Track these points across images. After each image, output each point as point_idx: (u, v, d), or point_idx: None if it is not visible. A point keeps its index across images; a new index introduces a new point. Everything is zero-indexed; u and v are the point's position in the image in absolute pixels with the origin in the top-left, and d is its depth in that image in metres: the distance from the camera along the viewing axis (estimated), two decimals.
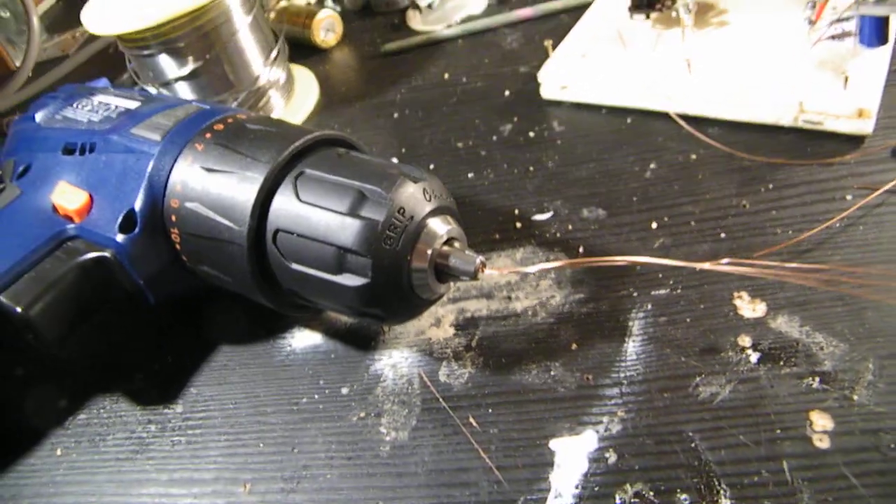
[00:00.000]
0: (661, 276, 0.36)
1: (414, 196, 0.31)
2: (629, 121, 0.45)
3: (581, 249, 0.38)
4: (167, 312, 0.40)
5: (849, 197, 0.36)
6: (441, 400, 0.33)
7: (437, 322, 0.37)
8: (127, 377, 0.39)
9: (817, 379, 0.30)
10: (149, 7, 0.45)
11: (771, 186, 0.38)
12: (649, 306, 0.34)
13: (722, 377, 0.31)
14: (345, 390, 0.35)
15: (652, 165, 0.42)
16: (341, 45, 0.63)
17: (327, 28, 0.60)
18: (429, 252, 0.31)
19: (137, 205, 0.34)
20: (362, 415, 0.34)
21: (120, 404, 0.37)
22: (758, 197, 0.38)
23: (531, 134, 0.47)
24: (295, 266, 0.32)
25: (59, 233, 0.36)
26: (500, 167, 0.45)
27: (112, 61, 0.68)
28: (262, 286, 0.33)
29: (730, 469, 0.28)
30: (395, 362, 0.35)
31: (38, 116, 0.42)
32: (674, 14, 0.47)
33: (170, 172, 0.34)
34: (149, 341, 0.40)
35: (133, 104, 0.39)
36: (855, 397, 0.29)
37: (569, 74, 0.47)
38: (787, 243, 0.35)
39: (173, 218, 0.34)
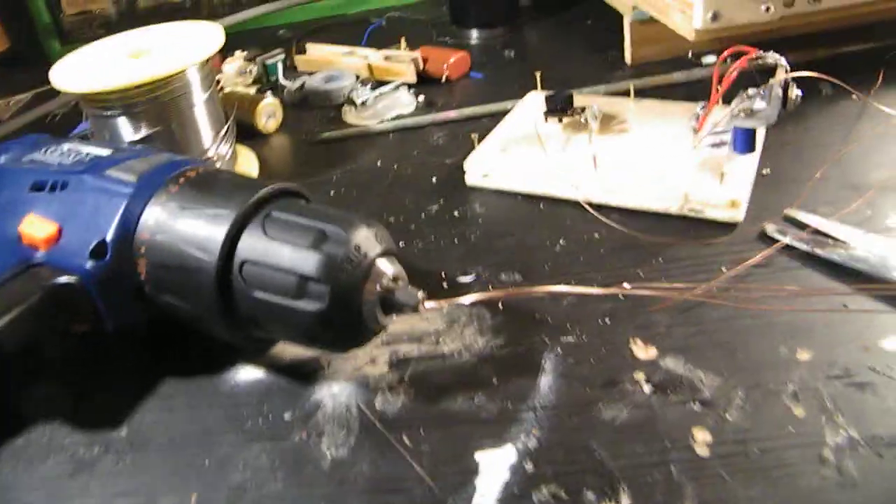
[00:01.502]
0: (568, 326, 0.41)
1: (367, 237, 0.36)
2: (542, 206, 0.52)
3: (500, 305, 0.44)
4: (119, 343, 0.42)
5: (723, 269, 0.44)
6: (377, 423, 0.37)
7: (373, 361, 0.41)
8: (71, 405, 0.40)
9: (698, 403, 0.35)
10: (119, 71, 0.50)
11: (661, 260, 0.45)
12: (559, 350, 0.40)
13: (621, 404, 0.36)
14: (287, 415, 0.38)
15: (561, 241, 0.48)
16: (281, 132, 0.69)
17: (269, 114, 0.66)
18: (378, 286, 0.36)
19: (109, 236, 0.38)
20: (304, 435, 0.37)
21: (62, 430, 0.39)
22: (650, 268, 0.45)
23: (456, 213, 0.53)
24: (257, 294, 0.36)
25: (25, 259, 0.38)
26: (427, 238, 0.51)
27: (48, 130, 0.71)
28: (223, 313, 0.37)
29: (628, 473, 0.33)
30: (334, 392, 0.39)
31: (2, 159, 0.45)
32: (582, 120, 0.56)
33: (143, 209, 0.38)
34: (96, 371, 0.42)
35: (105, 151, 0.42)
36: (728, 417, 0.34)
37: (490, 164, 0.54)
38: (672, 298, 0.42)
39: (142, 249, 0.38)
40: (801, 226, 0.46)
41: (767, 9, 0.56)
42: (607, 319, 0.42)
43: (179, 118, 0.53)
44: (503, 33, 0.82)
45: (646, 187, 0.49)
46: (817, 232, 0.45)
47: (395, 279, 0.37)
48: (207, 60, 0.53)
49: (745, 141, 0.51)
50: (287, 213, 0.37)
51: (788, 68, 0.49)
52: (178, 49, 0.53)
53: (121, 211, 0.38)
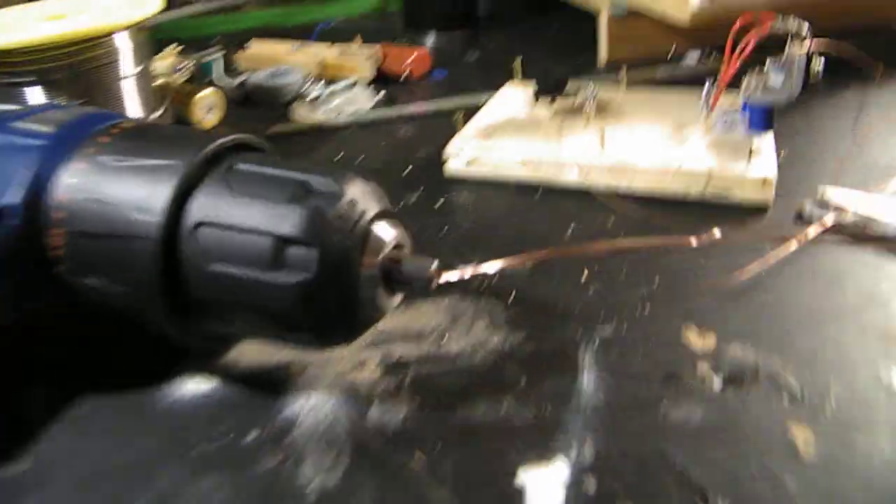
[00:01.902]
0: (601, 315, 0.34)
1: (364, 192, 0.28)
2: (538, 195, 0.45)
3: (513, 295, 0.36)
4: (21, 342, 0.32)
5: (767, 248, 0.37)
6: (376, 439, 0.28)
7: (360, 365, 0.32)
8: None
9: (786, 395, 0.28)
10: (32, 31, 0.40)
11: (693, 244, 0.39)
12: (596, 343, 0.32)
13: (690, 401, 0.28)
14: (251, 436, 0.29)
15: (570, 231, 0.41)
16: (223, 127, 0.60)
17: (208, 107, 0.57)
18: (379, 255, 0.28)
19: (11, 198, 0.28)
20: (276, 461, 0.27)
21: None
22: (680, 252, 0.38)
23: (438, 204, 0.45)
24: (216, 267, 0.27)
25: None
26: (409, 229, 0.43)
27: None
28: (167, 296, 0.27)
29: (722, 483, 0.25)
30: (313, 405, 0.30)
31: None
32: (576, 103, 0.49)
33: (61, 165, 0.29)
34: None
35: (14, 107, 0.33)
36: (826, 411, 0.27)
37: (476, 151, 0.47)
38: (723, 282, 0.35)
39: (59, 215, 0.28)
40: (835, 207, 0.40)
41: None
42: (647, 306, 0.34)
43: (104, 93, 0.44)
44: (462, 37, 0.76)
45: (660, 169, 0.43)
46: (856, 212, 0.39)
47: (398, 246, 0.28)
48: (140, 27, 0.44)
49: (762, 118, 0.45)
50: (256, 165, 0.28)
51: (811, 37, 0.44)
52: (106, 12, 0.44)
53: (29, 168, 0.28)
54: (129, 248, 0.27)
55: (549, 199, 0.45)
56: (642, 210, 0.42)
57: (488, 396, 0.30)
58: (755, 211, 0.41)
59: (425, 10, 0.77)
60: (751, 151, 0.42)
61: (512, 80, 0.56)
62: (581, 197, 0.44)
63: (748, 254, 0.37)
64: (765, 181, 0.41)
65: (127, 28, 0.44)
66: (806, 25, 0.43)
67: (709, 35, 0.63)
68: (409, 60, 0.65)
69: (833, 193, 0.41)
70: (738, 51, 0.44)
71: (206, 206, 0.27)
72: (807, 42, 0.43)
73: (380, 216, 0.28)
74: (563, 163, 0.44)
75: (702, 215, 0.41)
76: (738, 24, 0.45)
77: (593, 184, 0.44)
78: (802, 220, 0.40)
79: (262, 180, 0.28)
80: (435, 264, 0.28)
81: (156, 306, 0.28)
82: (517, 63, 0.55)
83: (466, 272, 0.30)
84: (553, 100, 0.50)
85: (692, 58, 0.63)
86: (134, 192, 0.27)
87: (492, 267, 0.30)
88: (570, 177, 0.44)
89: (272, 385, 0.31)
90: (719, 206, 0.42)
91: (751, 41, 0.43)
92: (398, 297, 0.30)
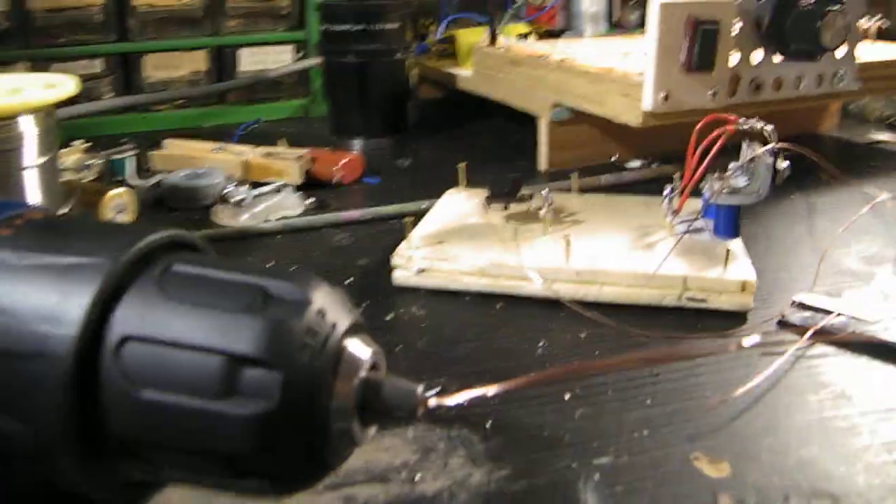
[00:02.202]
0: (595, 445, 0.29)
1: (332, 300, 0.23)
2: (499, 306, 0.41)
3: (489, 424, 0.31)
4: None
5: (759, 358, 0.34)
6: None
7: None
8: None
9: None
10: None
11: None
12: (597, 476, 0.27)
13: None
14: None
15: (541, 344, 0.37)
16: None
17: (118, 208, 0.51)
18: (355, 379, 0.22)
19: None
20: None
21: None
22: (667, 368, 0.34)
23: (388, 318, 0.40)
24: (147, 394, 0.21)
25: None
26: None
27: None
28: (79, 434, 0.21)
29: None
30: None
31: None
32: (531, 208, 0.46)
33: None
34: None
35: None
36: None
37: (428, 258, 0.43)
38: (722, 400, 0.31)
39: None
40: (818, 310, 0.38)
41: (714, 94, 0.52)
42: (645, 431, 0.30)
43: (3, 182, 0.38)
44: (391, 143, 0.74)
45: (633, 275, 0.40)
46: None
47: (374, 367, 0.23)
48: (49, 111, 0.39)
49: (729, 222, 0.43)
50: (199, 266, 0.23)
51: (776, 138, 0.43)
52: (13, 91, 0.39)
53: None
54: (31, 370, 0.21)
55: (511, 310, 0.40)
56: (616, 321, 0.38)
57: None
58: (734, 317, 0.38)
59: (352, 116, 0.74)
60: (727, 255, 0.39)
61: (455, 186, 0.53)
62: (546, 308, 0.40)
63: (739, 368, 0.34)
64: (745, 285, 0.38)
65: (34, 110, 0.38)
66: (770, 126, 0.42)
67: (648, 144, 0.63)
68: (339, 165, 0.61)
69: (810, 298, 0.38)
70: (703, 151, 0.43)
71: (136, 316, 0.21)
72: (772, 143, 0.42)
73: (352, 331, 0.23)
74: (524, 271, 0.41)
75: (680, 324, 0.38)
76: (701, 124, 0.44)
77: (559, 293, 0.40)
78: (786, 326, 0.37)
79: (208, 285, 0.22)
80: (420, 389, 0.23)
81: (64, 449, 0.21)
82: (461, 168, 0.52)
83: (460, 398, 0.25)
84: (507, 206, 0.47)
85: (635, 165, 0.63)
86: (41, 298, 0.21)
87: (489, 391, 0.25)
88: (534, 286, 0.40)
89: None
90: (695, 313, 0.39)
91: (719, 141, 0.42)
92: (373, 429, 0.24)
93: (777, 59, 0.55)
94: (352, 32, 0.69)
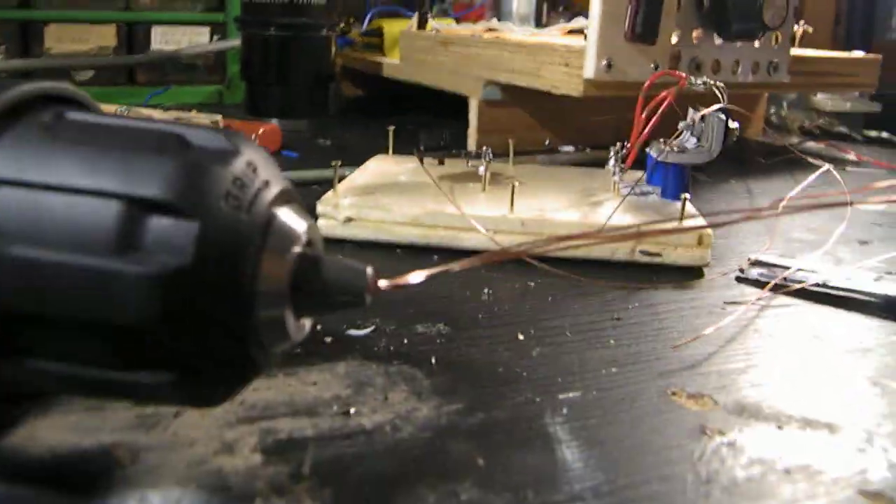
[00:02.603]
0: (559, 380, 0.25)
1: (265, 158, 0.19)
2: (435, 258, 0.37)
3: (433, 360, 0.26)
4: None
5: (724, 307, 0.31)
6: None
7: (228, 448, 0.21)
8: None
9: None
10: None
11: (637, 304, 0.32)
12: (565, 410, 0.23)
13: (719, 468, 0.20)
14: None
15: (486, 291, 0.33)
16: None
17: None
18: (289, 252, 0.18)
19: None
20: None
21: None
22: (628, 314, 0.31)
23: None
24: (21, 251, 0.16)
25: None
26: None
27: None
28: None
29: None
30: None
31: None
32: (468, 163, 0.43)
33: None
34: None
35: None
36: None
37: (356, 207, 0.38)
38: (694, 338, 0.28)
39: None
40: (773, 267, 0.35)
41: (656, 68, 0.50)
42: (613, 370, 0.26)
43: None
44: (311, 126, 0.69)
45: (581, 225, 0.37)
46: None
47: (310, 244, 0.19)
48: None
49: (678, 183, 0.41)
50: (101, 117, 0.18)
51: (726, 96, 0.41)
52: None
53: None
54: None
55: (448, 260, 0.36)
56: (565, 272, 0.35)
57: (437, 484, 0.20)
58: (690, 273, 0.36)
59: (270, 94, 0.69)
60: (683, 209, 0.37)
61: (381, 152, 0.49)
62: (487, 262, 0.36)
63: (703, 316, 0.31)
64: (701, 237, 0.36)
65: None
66: (722, 83, 0.41)
67: (579, 131, 0.61)
68: (258, 133, 0.56)
69: (766, 258, 0.36)
70: (650, 111, 0.40)
71: (10, 158, 0.16)
72: (723, 100, 0.40)
73: (282, 198, 0.19)
74: (464, 220, 0.37)
75: (634, 277, 0.35)
76: (651, 80, 0.42)
77: (502, 245, 0.36)
78: (745, 281, 0.35)
79: (111, 132, 0.17)
80: (370, 270, 0.19)
81: None
82: (390, 130, 0.49)
83: (418, 276, 0.21)
84: (441, 161, 0.43)
85: (568, 149, 0.60)
86: None
87: (454, 266, 0.21)
88: (473, 239, 0.37)
89: (84, 483, 0.19)
90: (649, 268, 0.36)
91: (668, 97, 0.40)
92: (307, 325, 0.19)
93: (717, 41, 0.54)
94: (276, 4, 0.64)
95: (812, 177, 0.44)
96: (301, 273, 0.18)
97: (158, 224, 0.16)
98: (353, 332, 0.28)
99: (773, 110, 0.80)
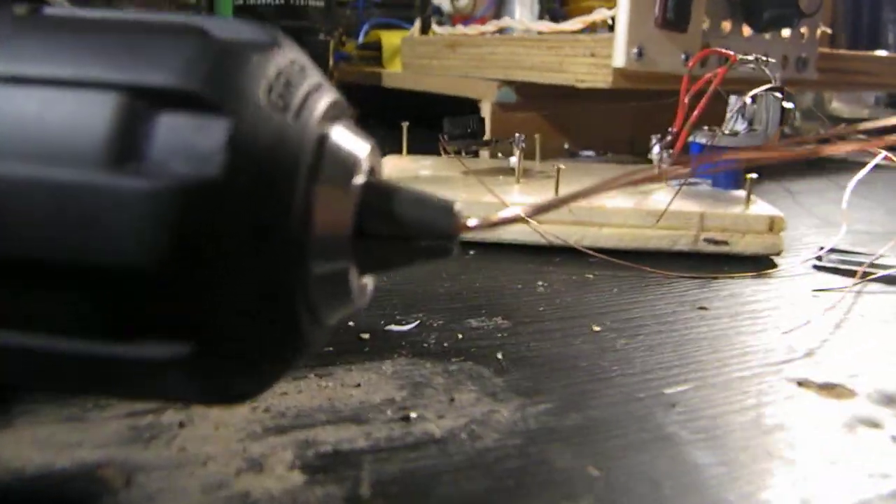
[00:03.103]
0: (661, 374, 0.20)
1: (312, 64, 0.14)
2: (472, 253, 0.32)
3: (500, 356, 0.21)
4: None
5: (816, 296, 0.27)
6: None
7: (255, 465, 0.16)
8: None
9: None
10: None
11: (717, 294, 0.27)
12: (678, 407, 0.18)
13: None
14: None
15: (540, 283, 0.28)
16: None
17: None
18: (351, 184, 0.13)
19: None
20: None
21: None
22: (712, 304, 0.26)
23: None
24: None
25: None
26: None
27: None
28: None
29: None
30: None
31: None
32: (497, 155, 0.38)
33: None
34: None
35: None
36: None
37: None
38: (806, 322, 0.23)
39: None
40: (851, 254, 0.31)
41: (687, 58, 0.46)
42: (719, 361, 0.21)
43: None
44: None
45: (636, 215, 0.32)
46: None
47: (373, 172, 0.14)
48: None
49: (731, 171, 0.36)
50: (90, 10, 0.13)
51: (778, 76, 0.37)
52: None
53: None
54: None
55: (489, 257, 0.32)
56: (624, 264, 0.30)
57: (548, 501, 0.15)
58: (759, 262, 0.31)
59: None
60: (749, 191, 0.32)
61: (399, 152, 0.45)
62: (531, 254, 0.32)
63: (797, 304, 0.26)
64: (773, 222, 0.31)
65: None
66: (774, 60, 0.37)
67: (596, 136, 0.57)
68: None
69: (841, 245, 0.32)
70: (693, 96, 0.36)
71: None
72: (775, 80, 0.36)
73: (336, 111, 0.14)
74: (504, 208, 0.32)
75: (702, 267, 0.30)
76: (696, 58, 0.38)
77: (545, 238, 0.32)
78: (824, 270, 0.30)
79: (106, 23, 0.13)
80: (457, 206, 0.14)
81: None
82: (404, 126, 0.44)
83: (511, 211, 0.16)
84: (467, 151, 0.39)
85: (588, 154, 0.56)
86: None
87: (566, 199, 0.16)
88: (514, 230, 0.32)
89: None
90: (714, 260, 0.31)
91: (720, 73, 0.36)
92: (370, 287, 0.15)
93: (747, 32, 0.50)
94: (271, 6, 0.60)
95: (870, 164, 0.40)
96: (368, 210, 0.13)
97: (173, 122, 0.11)
98: (393, 327, 0.23)
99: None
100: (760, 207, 0.33)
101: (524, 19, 0.58)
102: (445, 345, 0.22)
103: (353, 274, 0.13)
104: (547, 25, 0.53)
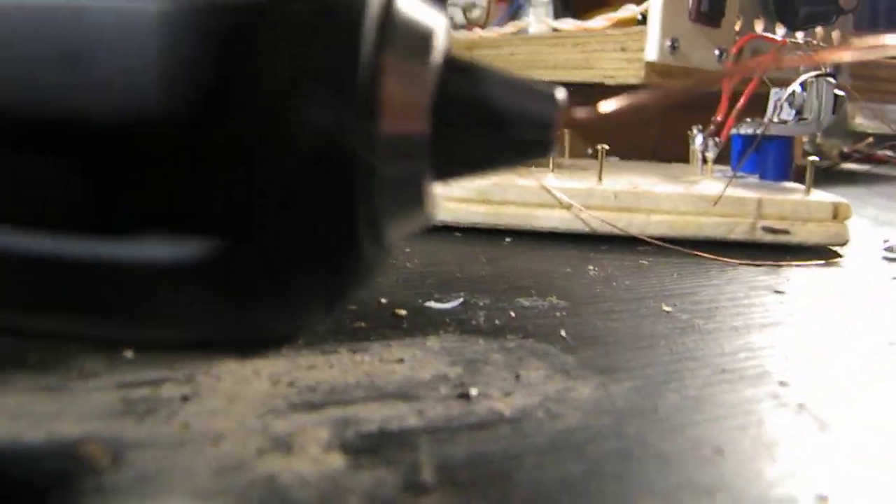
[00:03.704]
0: (774, 353, 0.17)
1: None
2: (507, 240, 0.29)
3: (563, 333, 0.18)
4: None
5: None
6: None
7: (282, 445, 0.12)
8: None
9: None
10: None
11: (798, 280, 0.24)
12: (793, 387, 0.15)
13: None
14: None
15: (591, 267, 0.25)
16: None
17: None
18: (427, 62, 0.10)
19: None
20: None
21: None
22: (789, 288, 0.23)
23: None
24: None
25: None
26: None
27: None
28: None
29: None
30: None
31: None
32: None
33: None
34: None
35: None
36: None
37: None
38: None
39: None
40: None
41: (721, 54, 0.44)
42: (823, 344, 0.18)
43: None
44: None
45: (687, 200, 0.29)
46: None
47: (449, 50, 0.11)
48: None
49: (781, 160, 0.34)
50: None
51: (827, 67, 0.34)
52: None
53: None
54: None
55: (526, 245, 0.28)
56: (682, 251, 0.27)
57: (674, 493, 0.11)
58: (823, 253, 0.28)
59: None
60: (810, 176, 0.29)
61: None
62: (575, 242, 0.28)
63: (887, 290, 0.23)
64: (837, 209, 0.28)
65: None
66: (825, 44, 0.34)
67: (619, 141, 0.54)
68: None
69: None
70: (742, 78, 0.33)
71: None
72: (824, 68, 0.34)
73: None
74: (539, 197, 0.29)
75: (762, 255, 0.27)
76: (743, 41, 0.35)
77: (589, 225, 0.29)
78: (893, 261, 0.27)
79: None
80: (560, 92, 0.11)
81: None
82: None
83: (606, 105, 0.13)
84: None
85: (613, 160, 0.53)
86: None
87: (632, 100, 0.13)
88: (552, 216, 0.29)
89: (32, 501, 0.11)
90: (774, 248, 0.28)
91: (769, 58, 0.33)
92: (437, 199, 0.11)
93: (780, 31, 0.48)
94: None
95: None
96: (449, 94, 0.10)
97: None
98: (433, 304, 0.20)
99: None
100: (821, 195, 0.30)
101: (547, 20, 0.56)
102: (497, 322, 0.19)
103: (428, 172, 0.10)
104: (571, 23, 0.50)
